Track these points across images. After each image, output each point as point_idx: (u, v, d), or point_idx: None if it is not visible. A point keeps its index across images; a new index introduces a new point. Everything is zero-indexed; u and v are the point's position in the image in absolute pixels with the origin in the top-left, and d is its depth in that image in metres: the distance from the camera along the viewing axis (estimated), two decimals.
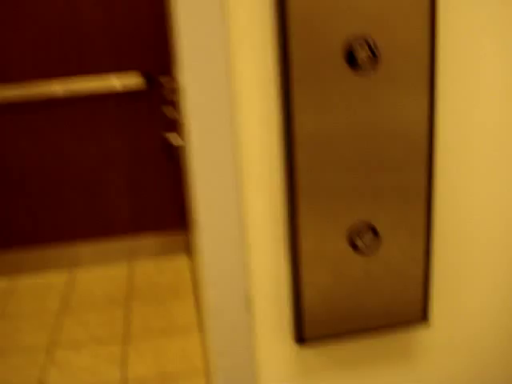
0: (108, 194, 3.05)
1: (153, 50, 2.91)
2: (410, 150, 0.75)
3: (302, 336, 0.81)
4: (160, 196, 3.07)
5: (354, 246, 0.77)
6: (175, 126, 1.93)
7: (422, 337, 0.90)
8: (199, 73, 0.72)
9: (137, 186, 3.05)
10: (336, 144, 0.73)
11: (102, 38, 2.89)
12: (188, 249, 2.91)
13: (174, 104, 2.22)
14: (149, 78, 2.91)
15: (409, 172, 0.76)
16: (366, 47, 0.69)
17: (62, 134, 2.96)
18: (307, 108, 0.71)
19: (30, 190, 3.00)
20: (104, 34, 2.89)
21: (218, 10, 0.69)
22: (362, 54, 0.70)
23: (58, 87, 2.89)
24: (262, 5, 0.70)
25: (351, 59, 0.70)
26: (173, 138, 1.59)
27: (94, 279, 2.96)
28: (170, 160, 1.76)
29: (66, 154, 2.97)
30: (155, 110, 2.95)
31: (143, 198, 3.07)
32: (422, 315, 0.84)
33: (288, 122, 0.71)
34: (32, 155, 2.96)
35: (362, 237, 0.77)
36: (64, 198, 3.02)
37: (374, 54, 0.70)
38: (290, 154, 0.73)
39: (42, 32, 2.84)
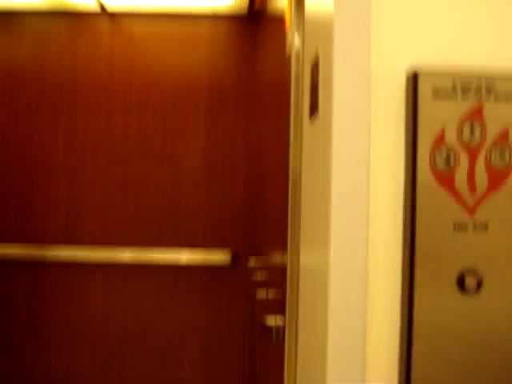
0: (180, 364, 3.22)
1: (242, 231, 3.24)
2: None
3: None
4: (229, 371, 3.21)
5: None
6: (265, 304, 2.15)
7: None
8: (339, 258, 0.96)
9: (209, 359, 3.21)
10: (447, 343, 0.93)
11: (197, 215, 3.26)
12: None
13: (263, 283, 2.47)
14: (235, 256, 3.21)
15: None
16: (475, 277, 0.93)
17: (147, 298, 3.23)
18: (425, 310, 0.93)
19: (104, 346, 3.21)
20: (199, 212, 3.26)
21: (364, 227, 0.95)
22: (471, 282, 0.93)
23: (148, 255, 3.22)
24: (395, 238, 0.96)
25: (461, 284, 0.94)
26: (269, 317, 1.80)
27: None
28: (262, 338, 1.95)
29: (148, 318, 3.21)
30: (237, 287, 3.21)
31: (213, 371, 3.22)
32: None
33: (409, 320, 0.94)
34: (116, 313, 3.21)
35: None
36: (137, 359, 3.21)
37: (479, 282, 0.93)
38: (408, 347, 0.94)
39: (143, 202, 3.24)
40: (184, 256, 3.20)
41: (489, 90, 0.95)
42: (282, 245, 1.69)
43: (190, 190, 3.25)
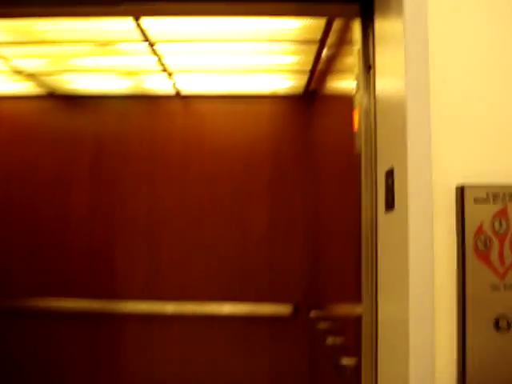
0: None
1: (301, 286, 3.80)
2: None
3: None
4: None
5: None
6: (335, 349, 2.68)
7: None
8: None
9: None
10: (493, 364, 1.48)
11: (261, 272, 3.83)
12: None
13: (328, 331, 3.00)
14: (296, 308, 3.76)
15: None
16: (505, 320, 1.48)
17: (217, 347, 3.78)
18: (473, 342, 1.48)
19: None
20: (263, 269, 3.83)
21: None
22: (503, 323, 1.48)
23: (218, 308, 3.79)
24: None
25: (497, 325, 1.49)
26: (345, 359, 2.33)
27: None
28: (337, 377, 2.47)
29: (219, 365, 3.76)
30: (298, 336, 3.76)
31: None
32: None
33: (463, 348, 1.49)
34: (191, 360, 3.77)
35: None
36: None
37: (509, 324, 1.49)
38: (463, 370, 1.48)
39: (214, 260, 3.83)
40: (249, 309, 3.76)
41: (511, 197, 1.52)
42: (353, 299, 2.23)
43: (255, 249, 3.84)
